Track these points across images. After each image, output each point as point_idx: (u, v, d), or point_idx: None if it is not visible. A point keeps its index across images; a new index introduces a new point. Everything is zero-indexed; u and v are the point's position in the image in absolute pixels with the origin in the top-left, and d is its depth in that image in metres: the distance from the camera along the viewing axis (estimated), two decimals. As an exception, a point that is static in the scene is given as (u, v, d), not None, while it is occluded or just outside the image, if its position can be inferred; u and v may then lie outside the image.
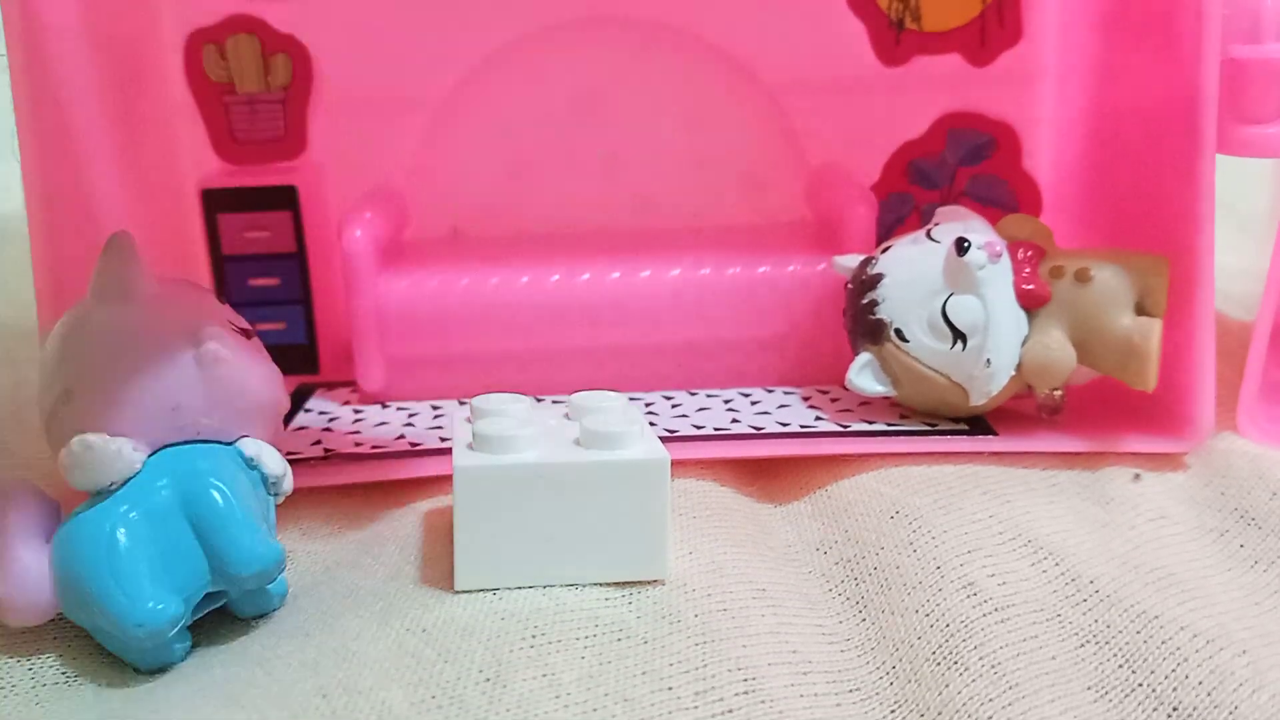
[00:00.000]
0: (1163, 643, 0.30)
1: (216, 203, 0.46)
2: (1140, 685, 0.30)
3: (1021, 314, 0.39)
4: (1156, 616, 0.31)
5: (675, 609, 0.30)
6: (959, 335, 0.39)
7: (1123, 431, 0.40)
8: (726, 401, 0.44)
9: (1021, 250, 0.40)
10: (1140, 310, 0.38)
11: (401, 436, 0.41)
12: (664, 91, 0.49)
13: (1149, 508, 0.37)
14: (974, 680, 0.29)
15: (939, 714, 0.29)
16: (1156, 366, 0.38)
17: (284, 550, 0.30)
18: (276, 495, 0.32)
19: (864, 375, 0.41)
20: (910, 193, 0.49)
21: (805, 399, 0.44)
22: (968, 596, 0.32)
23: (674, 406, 0.43)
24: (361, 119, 0.48)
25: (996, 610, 0.31)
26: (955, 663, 0.30)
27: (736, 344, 0.45)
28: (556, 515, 0.31)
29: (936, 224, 0.42)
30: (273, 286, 0.47)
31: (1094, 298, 0.38)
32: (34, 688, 0.29)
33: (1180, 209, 0.38)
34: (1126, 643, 0.31)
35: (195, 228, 0.47)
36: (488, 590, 0.31)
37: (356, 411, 0.44)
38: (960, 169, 0.49)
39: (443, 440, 0.40)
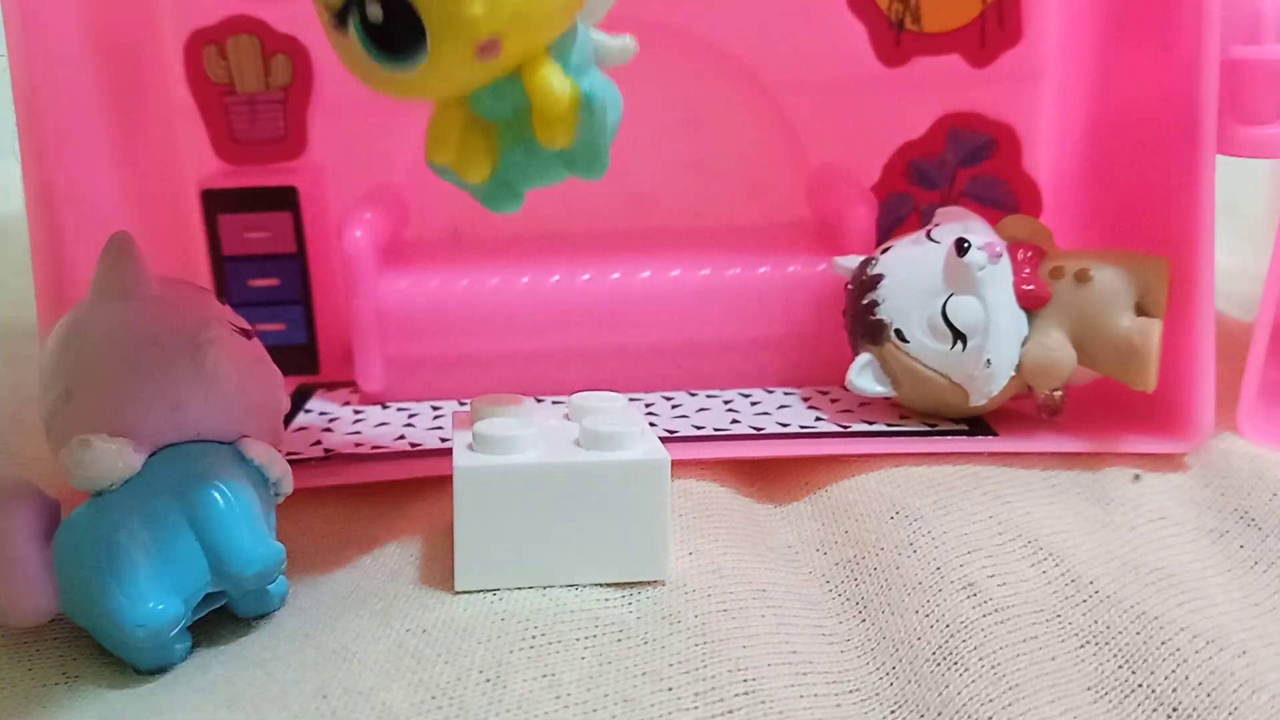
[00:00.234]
0: (1162, 643, 0.30)
1: (217, 203, 0.46)
2: (1140, 686, 0.30)
3: (1021, 314, 0.39)
4: (1156, 617, 0.31)
5: (675, 610, 0.30)
6: (959, 336, 0.39)
7: (1123, 432, 0.40)
8: (726, 402, 0.44)
9: (1021, 251, 0.40)
10: (1140, 311, 0.38)
11: (401, 437, 0.41)
12: (664, 92, 0.49)
13: (1149, 508, 0.37)
14: (974, 681, 0.29)
15: (939, 714, 0.29)
16: (1156, 367, 0.38)
17: (284, 550, 0.30)
18: (276, 495, 0.32)
19: (864, 376, 0.41)
20: (910, 193, 0.49)
21: (805, 399, 0.44)
22: (968, 597, 0.32)
23: (674, 407, 0.43)
24: (361, 119, 0.48)
25: (996, 611, 0.31)
26: (955, 663, 0.30)
27: (736, 344, 0.45)
28: (556, 516, 0.31)
29: (936, 224, 0.42)
30: (273, 287, 0.47)
31: (1094, 298, 0.38)
32: (34, 687, 0.29)
33: (1180, 209, 0.38)
34: (1126, 643, 0.31)
35: (195, 228, 0.47)
36: (488, 591, 0.31)
37: (356, 412, 0.44)
38: (960, 169, 0.49)
39: (443, 441, 0.40)
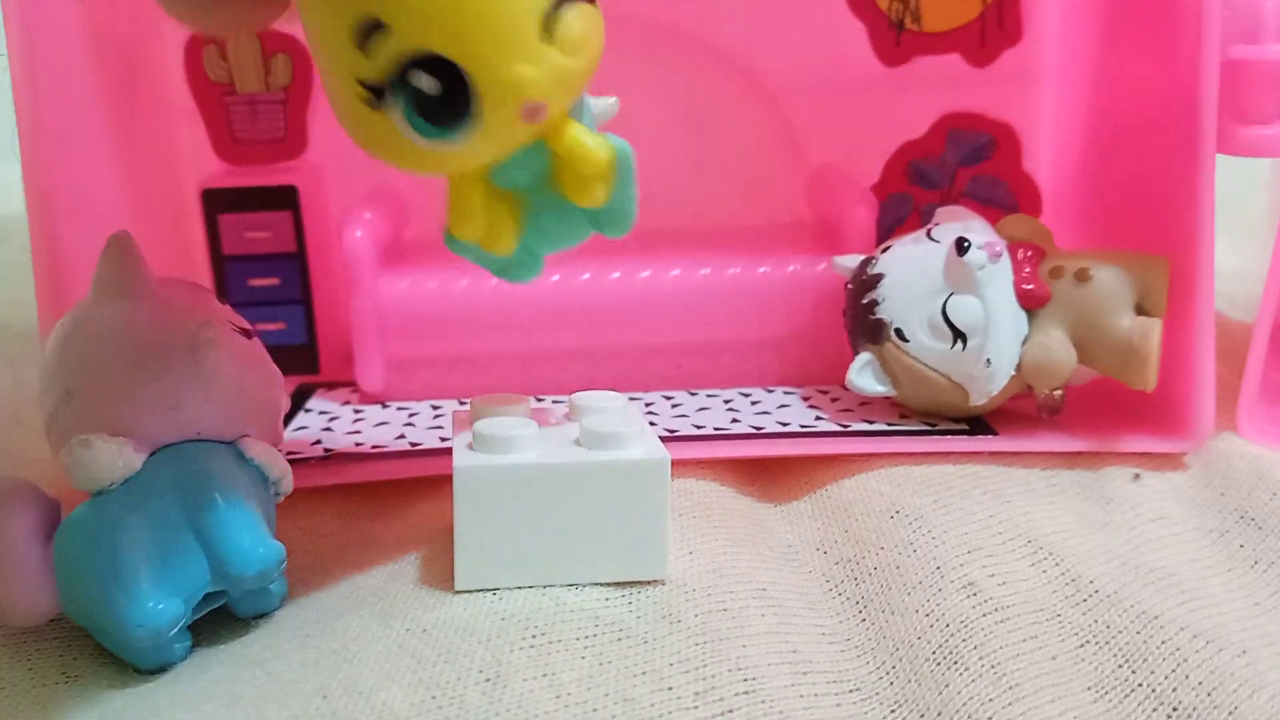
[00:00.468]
0: (1162, 643, 0.30)
1: (217, 203, 0.46)
2: (1140, 685, 0.30)
3: (1021, 314, 0.39)
4: (1156, 617, 0.31)
5: (675, 609, 0.30)
6: (959, 335, 0.39)
7: (1123, 432, 0.40)
8: (726, 401, 0.44)
9: (1021, 250, 0.40)
10: (1140, 310, 0.38)
11: (401, 436, 0.41)
12: (664, 92, 0.49)
13: (1149, 508, 0.37)
14: (974, 680, 0.29)
15: (939, 714, 0.29)
16: (1156, 367, 0.38)
17: (284, 550, 0.30)
18: (277, 495, 0.32)
19: (864, 375, 0.41)
20: (910, 193, 0.49)
21: (805, 399, 0.44)
22: (968, 596, 0.32)
23: (674, 406, 0.43)
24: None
25: (996, 610, 0.31)
26: (955, 663, 0.30)
27: (736, 344, 0.45)
28: (556, 515, 0.31)
29: (936, 224, 0.42)
30: (273, 286, 0.47)
31: (1094, 298, 0.38)
32: (34, 687, 0.29)
33: (1180, 209, 0.38)
34: (1126, 643, 0.31)
35: (196, 228, 0.47)
36: (488, 590, 0.31)
37: (356, 411, 0.44)
38: (960, 169, 0.49)
39: (443, 440, 0.40)
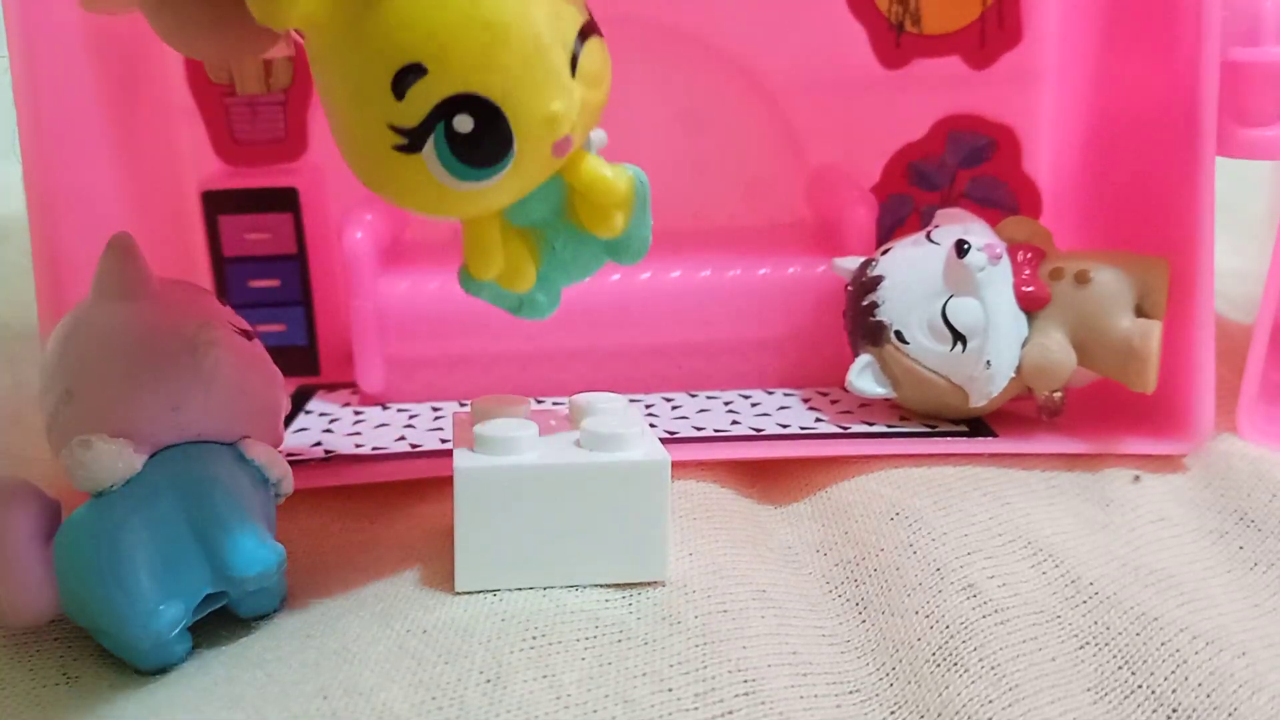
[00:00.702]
0: (1162, 644, 0.30)
1: (217, 204, 0.46)
2: (1140, 687, 0.30)
3: (1021, 316, 0.39)
4: (1156, 618, 0.31)
5: (675, 610, 0.30)
6: (959, 337, 0.39)
7: (1122, 433, 0.40)
8: (726, 403, 0.44)
9: (1021, 252, 0.40)
10: (1140, 312, 0.38)
11: (402, 438, 0.41)
12: (664, 92, 0.49)
13: (1149, 509, 0.37)
14: (974, 682, 0.29)
15: (939, 715, 0.29)
16: (1156, 368, 0.38)
17: (284, 551, 0.30)
18: (277, 496, 0.32)
19: (864, 377, 0.41)
20: (910, 194, 0.49)
21: (805, 401, 0.44)
22: (968, 598, 0.32)
23: (674, 408, 0.43)
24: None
25: (996, 612, 0.31)
26: (955, 664, 0.30)
27: (736, 345, 0.45)
28: (557, 517, 0.31)
29: (936, 226, 0.42)
30: (273, 288, 0.47)
31: (1094, 299, 0.38)
32: (34, 688, 0.29)
33: (1180, 211, 0.38)
34: (1126, 644, 0.31)
35: (196, 229, 0.47)
36: (488, 591, 0.31)
37: (357, 413, 0.44)
38: (960, 171, 0.49)
39: (443, 442, 0.40)
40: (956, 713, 0.28)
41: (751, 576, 0.33)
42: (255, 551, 0.29)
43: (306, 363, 0.48)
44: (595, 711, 0.27)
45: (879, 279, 0.41)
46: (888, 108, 0.48)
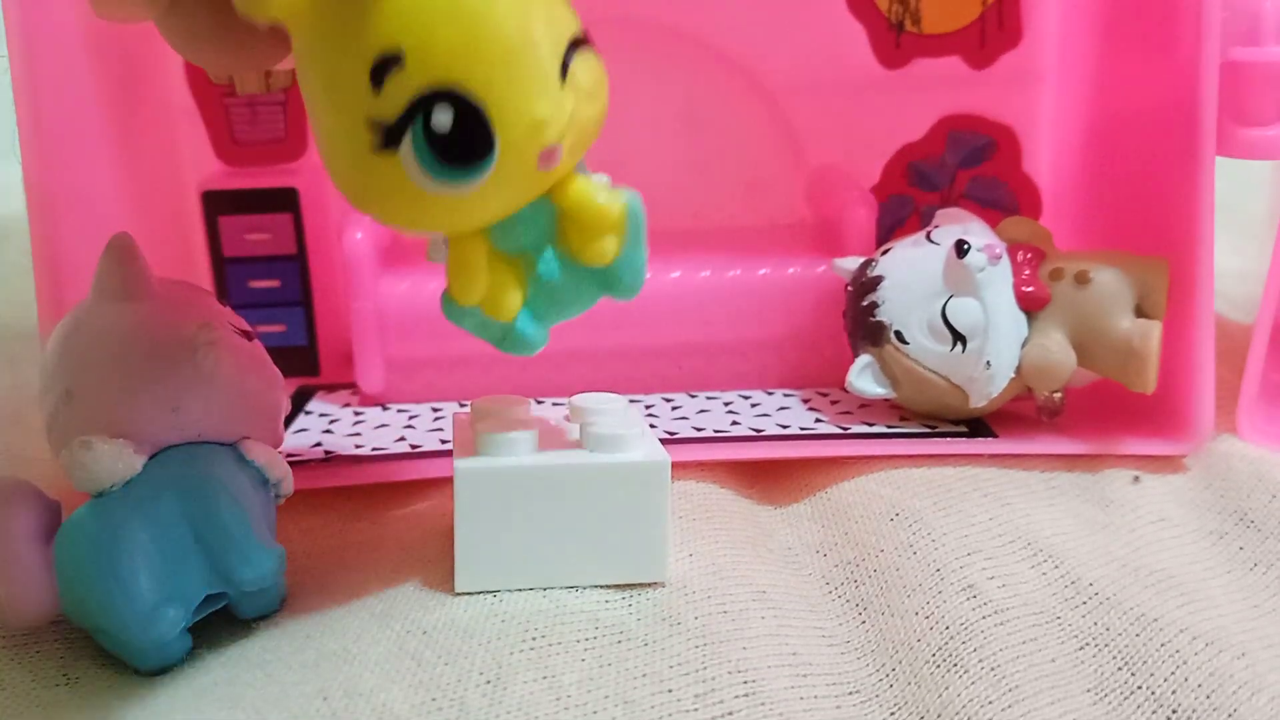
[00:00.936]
0: (1162, 645, 0.30)
1: (217, 205, 0.46)
2: (1140, 688, 0.30)
3: (1021, 316, 0.39)
4: (1156, 619, 0.31)
5: (675, 611, 0.30)
6: (959, 337, 0.39)
7: (1122, 434, 0.40)
8: (726, 404, 0.44)
9: (1021, 252, 0.40)
10: (1140, 313, 0.38)
11: (402, 439, 0.41)
12: (664, 93, 0.49)
13: (1149, 510, 0.37)
14: (974, 683, 0.29)
15: (939, 716, 0.29)
16: (1156, 369, 0.38)
17: (284, 552, 0.30)
18: (277, 497, 0.32)
19: (864, 377, 0.41)
20: (910, 195, 0.49)
21: (805, 401, 0.44)
22: (967, 599, 0.32)
23: (674, 409, 0.43)
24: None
25: (996, 613, 0.31)
26: (955, 665, 0.30)
27: (736, 346, 0.45)
28: (557, 517, 0.31)
29: (936, 226, 0.42)
30: (273, 288, 0.47)
31: (1094, 300, 0.38)
32: (35, 689, 0.29)
33: (1179, 211, 0.38)
34: (1126, 645, 0.31)
35: (196, 229, 0.47)
36: (488, 592, 0.31)
37: (357, 414, 0.44)
38: (960, 171, 0.49)
39: (443, 442, 0.40)
40: (956, 713, 0.28)
41: (751, 577, 0.33)
42: (255, 552, 0.29)
43: (306, 363, 0.48)
44: (595, 712, 0.27)
45: (879, 279, 0.41)
46: (888, 108, 0.48)
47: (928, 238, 0.41)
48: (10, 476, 0.31)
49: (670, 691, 0.28)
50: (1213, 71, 0.37)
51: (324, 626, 0.30)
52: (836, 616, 0.32)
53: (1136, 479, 0.38)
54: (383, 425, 0.43)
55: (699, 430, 0.41)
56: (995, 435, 0.40)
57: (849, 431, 0.41)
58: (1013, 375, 0.39)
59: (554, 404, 0.43)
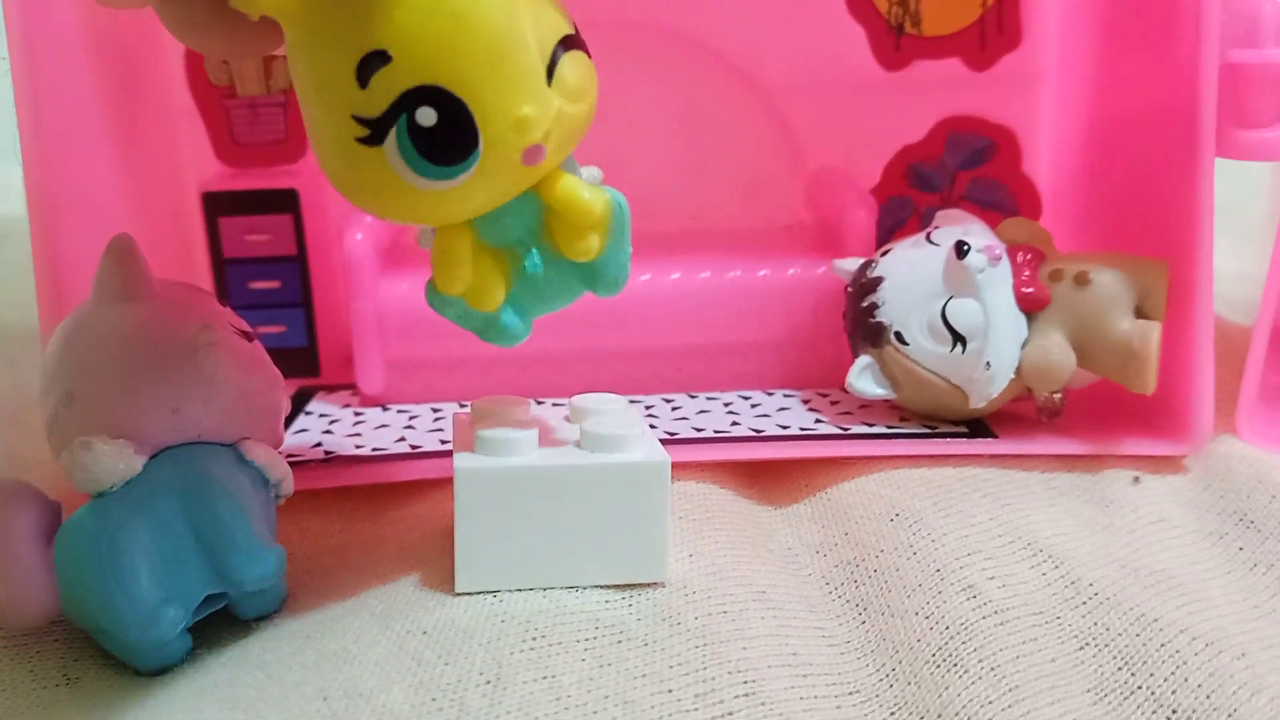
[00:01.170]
0: (1162, 645, 0.31)
1: (217, 206, 0.46)
2: (1140, 688, 0.30)
3: (1021, 317, 0.39)
4: (1156, 619, 0.31)
5: (675, 611, 0.30)
6: (959, 338, 0.39)
7: (1122, 434, 0.40)
8: (726, 404, 0.44)
9: (1021, 254, 0.40)
10: (1139, 314, 0.38)
11: (402, 439, 0.41)
12: (664, 95, 0.49)
13: (1148, 511, 0.37)
14: (974, 683, 0.29)
15: (939, 716, 0.29)
16: (1156, 370, 0.38)
17: (284, 552, 0.30)
18: (277, 497, 0.32)
19: (864, 378, 0.41)
20: (910, 196, 0.49)
21: (805, 402, 0.44)
22: (968, 599, 0.32)
23: (674, 409, 0.43)
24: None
25: (996, 613, 0.31)
26: (955, 665, 0.30)
27: (736, 347, 0.45)
28: (557, 518, 0.31)
29: (936, 227, 0.42)
30: (273, 289, 0.47)
31: (1093, 301, 0.38)
32: (35, 689, 0.29)
33: (1179, 213, 0.38)
34: (1126, 645, 0.31)
35: (196, 230, 0.47)
36: (488, 592, 0.31)
37: (357, 414, 0.44)
38: (960, 172, 0.49)
39: (443, 443, 0.41)
40: (956, 714, 0.28)
41: (751, 578, 0.33)
42: (255, 553, 0.29)
43: (307, 364, 0.48)
44: (595, 712, 0.27)
45: (879, 280, 0.41)
46: (887, 109, 0.48)
47: (928, 239, 0.41)
48: (11, 477, 0.31)
49: (670, 691, 0.28)
50: (1212, 73, 0.37)
51: (324, 627, 0.30)
52: (836, 617, 0.32)
53: (1136, 480, 0.38)
54: (383, 426, 0.43)
55: (699, 431, 0.41)
56: (995, 436, 0.40)
57: (849, 432, 0.41)
58: (1012, 376, 0.39)
59: (554, 404, 0.43)
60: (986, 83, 0.48)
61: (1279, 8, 0.38)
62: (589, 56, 0.27)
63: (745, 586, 0.32)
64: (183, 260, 0.47)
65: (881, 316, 0.40)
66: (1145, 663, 0.30)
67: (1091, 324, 0.38)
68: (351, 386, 0.46)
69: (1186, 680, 0.29)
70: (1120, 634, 0.31)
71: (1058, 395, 0.40)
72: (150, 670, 0.29)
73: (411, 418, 0.43)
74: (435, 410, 0.44)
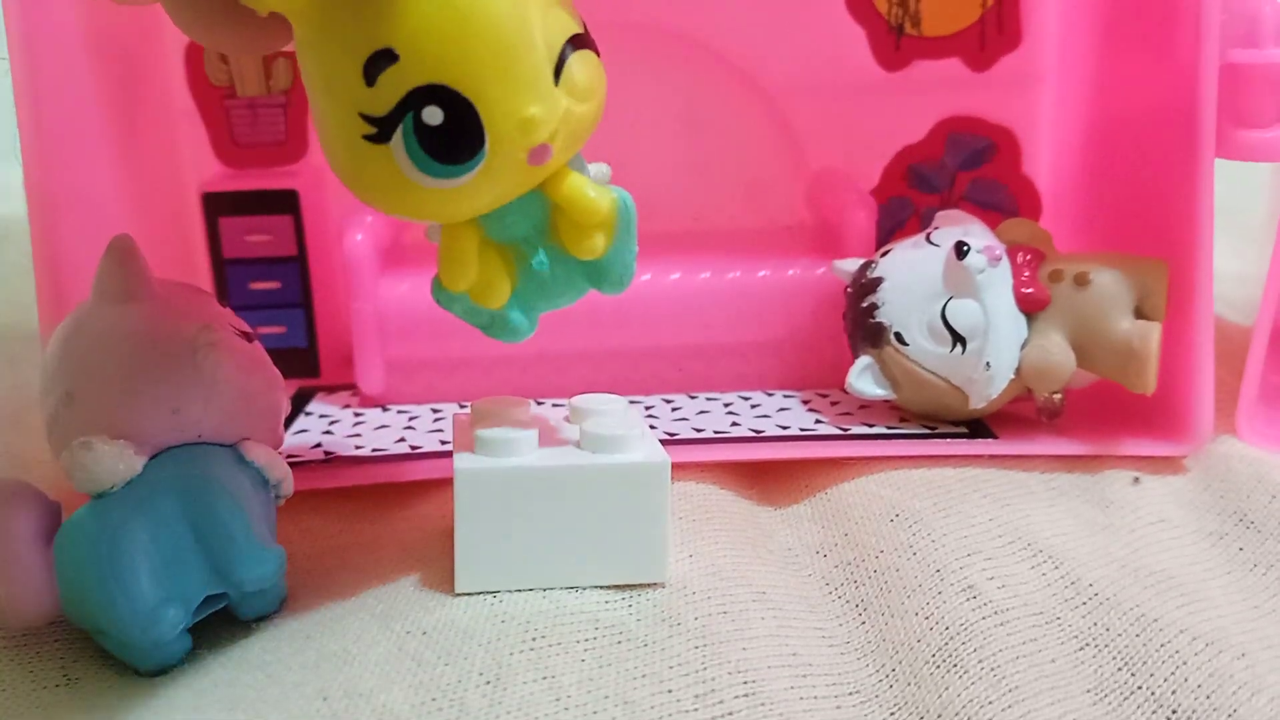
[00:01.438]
0: (1161, 646, 0.31)
1: (217, 206, 0.46)
2: (1139, 688, 0.30)
3: (1021, 318, 0.39)
4: (1156, 619, 0.31)
5: (675, 612, 0.30)
6: (959, 339, 0.39)
7: (1122, 435, 0.40)
8: (726, 405, 0.44)
9: (1021, 254, 0.40)
10: (1139, 314, 0.38)
11: (402, 439, 0.41)
12: (664, 96, 0.49)
13: (1148, 511, 0.37)
14: (973, 683, 0.29)
15: (938, 717, 0.29)
16: (1155, 370, 0.38)
17: (284, 553, 0.30)
18: (277, 498, 0.32)
19: (864, 378, 0.41)
20: (910, 197, 0.49)
21: (805, 402, 0.44)
22: (967, 600, 0.32)
23: (674, 410, 0.43)
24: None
25: (996, 613, 0.31)
26: (955, 665, 0.30)
27: (736, 347, 0.45)
28: (557, 518, 0.31)
29: (936, 228, 0.42)
30: (273, 290, 0.47)
31: (1093, 301, 0.38)
32: (35, 689, 0.29)
33: (1179, 213, 0.38)
34: (1126, 646, 0.31)
35: (196, 231, 0.47)
36: (488, 593, 0.31)
37: (357, 415, 0.44)
38: (960, 173, 0.49)
39: (443, 443, 0.41)
40: (956, 714, 0.28)
41: (751, 578, 0.33)
42: (255, 553, 0.29)
43: (306, 364, 0.48)
44: (595, 713, 0.27)
45: (879, 281, 0.41)
46: (887, 110, 0.48)
47: (927, 239, 0.41)
48: (11, 478, 0.31)
49: (670, 692, 0.28)
50: (1212, 74, 0.37)
51: (324, 627, 0.30)
52: (836, 617, 0.32)
53: (1136, 480, 0.38)
54: (383, 426, 0.43)
55: (699, 431, 0.41)
56: (995, 436, 0.40)
57: (849, 432, 0.41)
58: (1012, 376, 0.39)
59: (554, 405, 0.43)
60: (986, 83, 0.48)
61: (1279, 8, 0.38)
62: (598, 56, 0.27)
63: (745, 587, 0.32)
64: (183, 260, 0.47)
65: (881, 317, 0.40)
66: (1145, 663, 0.30)
67: (1091, 324, 0.38)
68: (351, 387, 0.46)
69: (1186, 680, 0.29)
70: (1120, 634, 0.31)
71: (1058, 396, 0.40)
72: (150, 670, 0.29)
73: (411, 418, 0.43)
74: (435, 411, 0.44)
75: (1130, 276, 0.38)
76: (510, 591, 0.31)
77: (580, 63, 0.26)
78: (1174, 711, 0.29)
